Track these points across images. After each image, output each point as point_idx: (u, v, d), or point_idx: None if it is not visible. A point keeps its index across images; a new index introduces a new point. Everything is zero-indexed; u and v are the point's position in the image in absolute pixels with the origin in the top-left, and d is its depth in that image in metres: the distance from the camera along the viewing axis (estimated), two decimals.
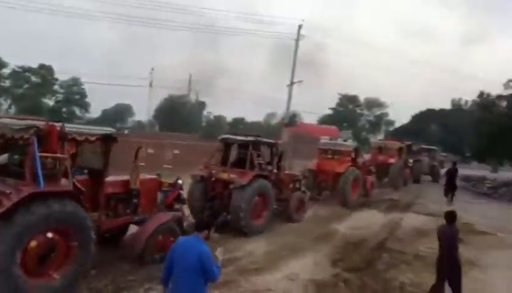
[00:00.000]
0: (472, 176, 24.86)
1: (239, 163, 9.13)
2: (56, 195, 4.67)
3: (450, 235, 5.21)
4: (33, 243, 4.51)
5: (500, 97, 25.43)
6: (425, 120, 66.62)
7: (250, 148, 8.67)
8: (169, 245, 4.81)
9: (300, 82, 27.65)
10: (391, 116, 66.04)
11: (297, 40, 27.40)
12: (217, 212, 8.48)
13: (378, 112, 66.88)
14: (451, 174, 15.62)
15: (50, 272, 4.71)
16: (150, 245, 5.76)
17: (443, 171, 21.54)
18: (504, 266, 7.33)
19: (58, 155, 4.78)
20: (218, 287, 5.20)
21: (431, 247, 8.11)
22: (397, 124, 70.00)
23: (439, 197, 17.14)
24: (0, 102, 31.75)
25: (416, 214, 12.08)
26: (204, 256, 3.29)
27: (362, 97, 68.88)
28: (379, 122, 62.95)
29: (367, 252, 7.56)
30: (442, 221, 10.85)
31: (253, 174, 8.33)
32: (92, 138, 5.34)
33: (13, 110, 32.19)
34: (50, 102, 35.80)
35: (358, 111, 70.50)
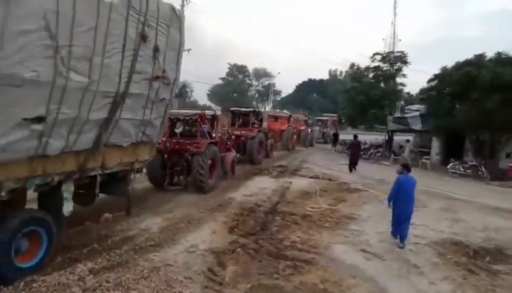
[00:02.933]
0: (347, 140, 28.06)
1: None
2: (212, 143, 10.42)
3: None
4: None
5: (367, 68, 28.77)
6: (307, 89, 71.87)
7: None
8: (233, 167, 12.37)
9: (188, 50, 26.83)
10: (277, 87, 69.48)
11: (182, 6, 26.65)
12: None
13: (266, 82, 69.64)
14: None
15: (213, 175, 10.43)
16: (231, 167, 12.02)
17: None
18: (373, 217, 8.52)
19: (207, 126, 10.76)
20: (113, 268, 4.90)
21: (315, 207, 9.01)
22: (283, 94, 74.08)
23: (322, 161, 19.01)
24: None
25: (302, 178, 13.18)
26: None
27: (250, 68, 70.49)
28: (267, 92, 65.85)
29: (261, 216, 7.96)
30: (324, 182, 12.10)
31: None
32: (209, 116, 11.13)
33: None
34: None
35: (247, 81, 72.07)
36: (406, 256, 6.29)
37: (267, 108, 57.07)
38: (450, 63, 19.95)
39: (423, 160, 19.59)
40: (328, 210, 8.82)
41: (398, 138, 26.56)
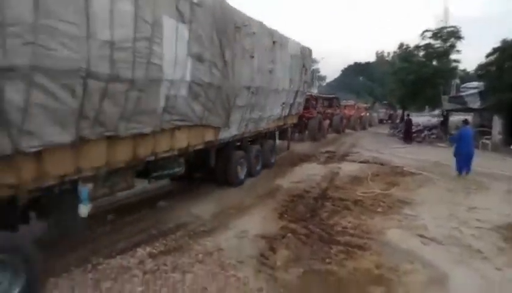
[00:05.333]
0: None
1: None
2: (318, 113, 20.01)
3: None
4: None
5: (417, 47, 27.18)
6: (353, 73, 69.73)
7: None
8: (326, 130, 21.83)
9: None
10: (322, 72, 68.02)
11: None
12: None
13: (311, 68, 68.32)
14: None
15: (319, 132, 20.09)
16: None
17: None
18: (429, 201, 8.13)
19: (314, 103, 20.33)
20: (170, 252, 5.11)
21: (366, 191, 8.76)
22: (329, 79, 72.46)
23: (373, 145, 18.44)
24: None
25: (352, 163, 12.86)
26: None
27: None
28: (312, 77, 64.44)
29: (311, 202, 7.89)
30: (376, 167, 11.73)
31: None
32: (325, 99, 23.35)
33: None
34: None
35: None
36: (467, 241, 5.93)
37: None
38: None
39: (484, 141, 18.28)
40: (380, 194, 8.54)
41: (454, 118, 24.97)
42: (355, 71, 69.02)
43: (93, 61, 3.92)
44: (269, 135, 11.16)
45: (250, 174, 9.60)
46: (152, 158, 5.62)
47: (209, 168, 8.26)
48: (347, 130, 26.74)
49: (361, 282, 4.58)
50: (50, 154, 3.80)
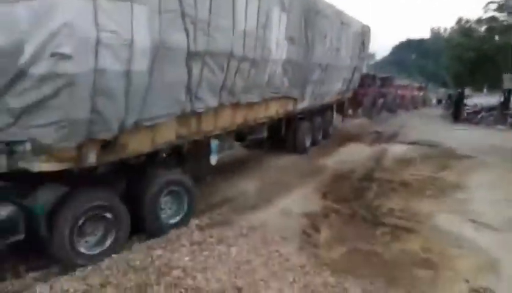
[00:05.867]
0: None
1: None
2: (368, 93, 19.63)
3: None
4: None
5: (479, 21, 25.14)
6: (405, 51, 66.23)
7: None
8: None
9: None
10: (371, 49, 65.30)
11: None
12: None
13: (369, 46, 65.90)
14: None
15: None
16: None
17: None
18: (484, 186, 7.69)
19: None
20: (216, 227, 5.32)
21: (414, 174, 8.45)
22: (378, 57, 69.50)
23: (424, 126, 17.63)
24: None
25: (400, 144, 12.40)
26: None
27: None
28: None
29: (355, 183, 7.77)
30: (426, 148, 11.25)
31: None
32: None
33: None
34: None
35: None
36: None
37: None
38: None
39: None
40: (430, 177, 8.20)
41: None
42: (408, 48, 65.53)
43: (234, 46, 5.45)
44: (329, 108, 12.44)
45: (313, 143, 10.94)
46: (253, 123, 7.18)
47: (279, 137, 9.58)
48: (400, 110, 25.71)
49: (407, 264, 4.50)
50: (204, 115, 5.38)
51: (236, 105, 6.12)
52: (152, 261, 4.22)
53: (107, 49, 3.49)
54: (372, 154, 10.72)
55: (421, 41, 66.09)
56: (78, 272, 3.96)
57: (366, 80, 19.37)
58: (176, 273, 3.99)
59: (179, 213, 5.26)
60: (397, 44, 68.85)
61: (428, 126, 17.86)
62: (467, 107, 21.12)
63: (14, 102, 3.27)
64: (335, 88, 11.52)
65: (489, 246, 4.94)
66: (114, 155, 4.18)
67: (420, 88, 32.87)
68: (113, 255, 4.30)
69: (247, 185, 7.32)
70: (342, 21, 10.50)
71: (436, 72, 39.83)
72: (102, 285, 3.72)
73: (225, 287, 3.82)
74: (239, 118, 6.45)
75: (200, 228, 5.22)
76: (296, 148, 10.01)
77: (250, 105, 6.62)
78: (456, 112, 19.83)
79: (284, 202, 6.47)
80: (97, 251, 4.29)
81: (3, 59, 3.14)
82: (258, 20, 5.94)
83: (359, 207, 6.35)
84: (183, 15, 4.36)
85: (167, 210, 5.16)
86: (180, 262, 4.22)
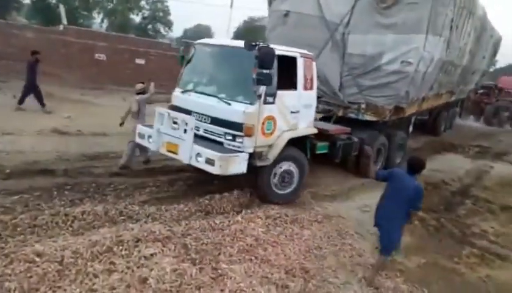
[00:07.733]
0: None
1: None
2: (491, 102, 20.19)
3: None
4: None
5: None
6: None
7: None
8: None
9: None
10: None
11: None
12: None
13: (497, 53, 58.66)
14: None
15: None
16: None
17: None
18: None
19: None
20: (293, 206, 5.38)
21: None
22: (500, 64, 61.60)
23: None
24: (94, 16, 33.39)
25: (509, 164, 10.94)
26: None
27: None
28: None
29: (448, 196, 7.15)
30: None
31: None
32: None
33: (104, 24, 33.84)
34: (137, 18, 36.86)
35: None
36: None
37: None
38: None
39: None
40: None
41: None
42: None
43: (454, 57, 9.46)
44: (455, 104, 15.12)
45: (444, 130, 14.25)
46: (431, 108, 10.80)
47: (422, 121, 12.07)
48: None
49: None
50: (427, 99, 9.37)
51: (435, 95, 9.82)
52: (228, 225, 4.46)
53: (423, 60, 7.21)
54: (472, 169, 9.67)
55: None
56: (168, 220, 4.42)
57: (493, 90, 20.14)
58: (249, 240, 4.18)
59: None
60: None
61: None
62: None
63: (364, 82, 7.19)
64: (470, 87, 14.65)
65: None
66: (396, 115, 7.67)
67: None
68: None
69: (327, 176, 7.20)
70: (492, 34, 13.25)
71: None
72: (183, 235, 4.06)
73: (293, 266, 3.89)
74: (432, 103, 10.11)
75: (277, 207, 5.30)
76: (435, 132, 13.23)
77: (439, 95, 10.25)
78: None
79: (365, 199, 6.22)
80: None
81: (369, 61, 7.01)
82: (469, 37, 10.08)
83: (447, 221, 5.86)
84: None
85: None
86: (254, 232, 4.40)
